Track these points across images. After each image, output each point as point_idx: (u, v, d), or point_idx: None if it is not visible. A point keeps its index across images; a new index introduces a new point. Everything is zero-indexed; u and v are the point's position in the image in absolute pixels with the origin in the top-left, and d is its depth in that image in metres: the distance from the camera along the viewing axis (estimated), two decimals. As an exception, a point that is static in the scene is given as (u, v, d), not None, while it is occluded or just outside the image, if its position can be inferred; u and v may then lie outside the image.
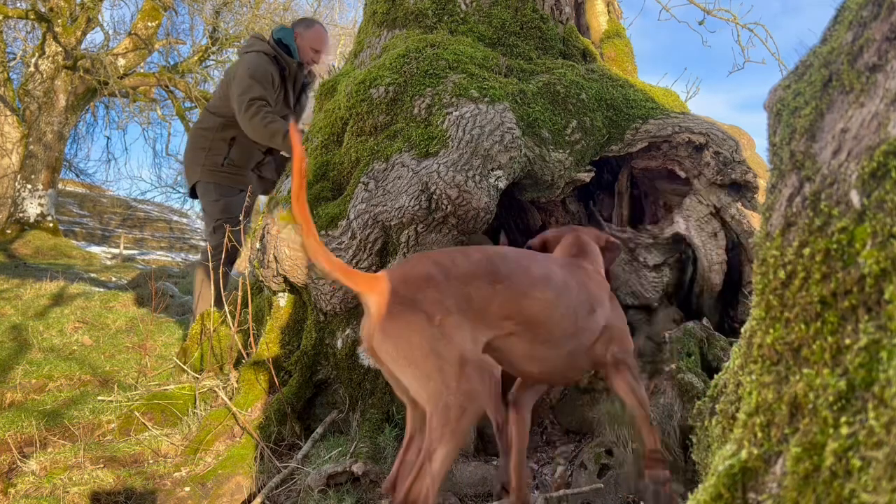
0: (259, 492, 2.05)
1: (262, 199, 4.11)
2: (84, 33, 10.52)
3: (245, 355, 2.77)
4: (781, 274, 0.81)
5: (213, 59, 13.29)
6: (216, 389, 2.69)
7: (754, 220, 2.91)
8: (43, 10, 9.96)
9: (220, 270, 3.31)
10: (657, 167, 3.15)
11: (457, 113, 2.52)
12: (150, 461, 2.30)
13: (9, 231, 9.77)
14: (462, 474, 2.11)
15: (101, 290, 5.95)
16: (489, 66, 2.88)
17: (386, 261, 2.45)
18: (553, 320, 1.62)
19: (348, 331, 2.48)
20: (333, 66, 4.58)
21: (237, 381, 2.62)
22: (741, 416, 0.83)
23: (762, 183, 2.94)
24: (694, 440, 1.22)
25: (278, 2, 12.91)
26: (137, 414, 2.62)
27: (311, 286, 2.54)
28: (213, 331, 3.03)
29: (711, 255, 3.02)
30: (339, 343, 2.49)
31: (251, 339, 2.85)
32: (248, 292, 2.93)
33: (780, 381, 0.77)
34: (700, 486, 0.83)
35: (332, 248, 2.41)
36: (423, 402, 1.43)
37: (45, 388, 3.13)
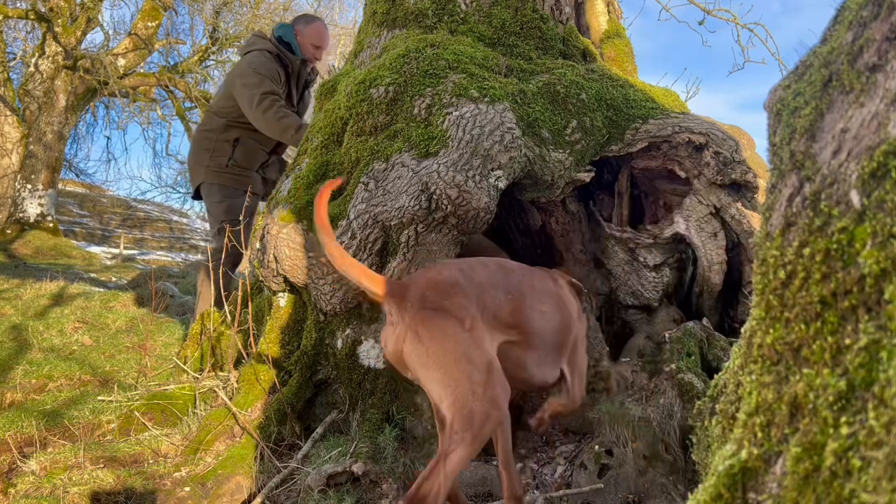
0: (259, 492, 2.05)
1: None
2: (84, 33, 10.52)
3: (245, 355, 2.77)
4: (781, 274, 0.81)
5: (213, 59, 13.30)
6: (216, 389, 2.69)
7: (754, 220, 2.91)
8: (43, 10, 9.95)
9: (221, 271, 3.31)
10: (657, 167, 3.14)
11: (457, 113, 2.52)
12: (150, 461, 2.30)
13: (9, 231, 9.77)
14: (462, 474, 2.11)
15: (101, 290, 5.95)
16: (489, 66, 2.88)
17: (386, 261, 2.45)
18: (546, 331, 1.77)
19: (348, 331, 2.48)
20: (333, 66, 4.58)
21: (237, 381, 2.62)
22: (741, 416, 0.83)
23: (762, 183, 2.94)
24: (694, 440, 1.22)
25: (278, 2, 12.91)
26: (137, 414, 2.62)
27: (311, 286, 2.54)
28: (213, 331, 3.03)
29: (711, 255, 3.02)
30: (339, 343, 2.48)
31: (251, 339, 2.85)
32: (249, 292, 2.93)
33: (780, 381, 0.77)
34: (700, 486, 0.83)
35: (332, 248, 2.40)
36: (446, 406, 1.46)
37: (45, 388, 3.12)
